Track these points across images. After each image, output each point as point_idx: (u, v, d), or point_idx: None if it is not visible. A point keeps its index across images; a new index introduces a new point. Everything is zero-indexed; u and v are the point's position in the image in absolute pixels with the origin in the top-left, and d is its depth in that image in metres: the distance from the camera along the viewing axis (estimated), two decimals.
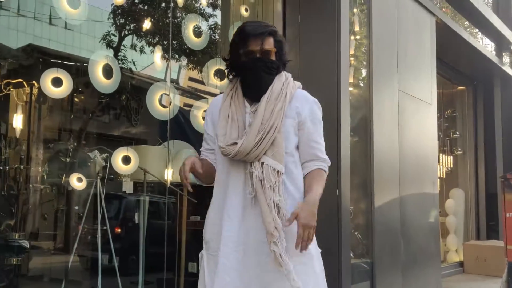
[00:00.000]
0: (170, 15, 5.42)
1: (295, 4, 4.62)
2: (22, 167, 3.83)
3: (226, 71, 2.17)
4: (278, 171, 1.99)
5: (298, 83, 2.18)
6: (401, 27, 5.51)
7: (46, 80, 2.99)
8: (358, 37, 5.14)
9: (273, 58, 2.09)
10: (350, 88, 4.71)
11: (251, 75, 2.06)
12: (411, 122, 5.56)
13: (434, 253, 5.93)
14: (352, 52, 4.88)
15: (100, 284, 4.37)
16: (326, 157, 2.15)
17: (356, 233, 5.02)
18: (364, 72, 5.23)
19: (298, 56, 4.60)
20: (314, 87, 4.52)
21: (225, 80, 4.06)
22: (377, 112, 4.95)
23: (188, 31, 3.87)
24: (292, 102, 2.08)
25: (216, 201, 2.09)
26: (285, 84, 2.09)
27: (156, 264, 4.42)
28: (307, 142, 2.11)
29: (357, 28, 5.03)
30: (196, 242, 4.53)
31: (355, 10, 5.06)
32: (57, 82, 3.01)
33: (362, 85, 5.23)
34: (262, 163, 1.98)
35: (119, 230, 7.73)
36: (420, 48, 5.98)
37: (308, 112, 2.12)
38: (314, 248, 2.07)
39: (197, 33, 3.95)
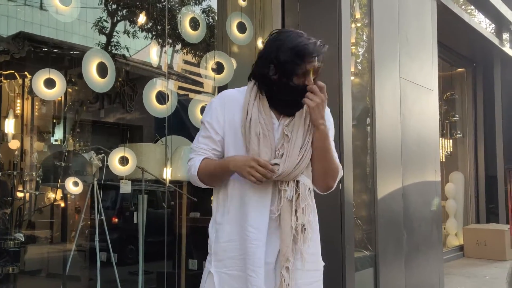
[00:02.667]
0: (166, 2, 5.27)
1: None
2: (15, 172, 3.72)
3: (252, 79, 1.94)
4: (310, 190, 1.90)
5: None
6: (402, 12, 5.37)
7: (39, 81, 2.84)
8: (359, 24, 4.99)
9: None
10: (352, 77, 4.59)
11: (297, 99, 1.86)
12: (412, 109, 5.46)
13: (436, 241, 5.88)
14: (353, 40, 4.75)
15: (99, 276, 4.32)
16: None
17: (355, 218, 4.97)
18: (365, 61, 5.10)
19: None
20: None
21: (223, 74, 3.93)
22: (379, 101, 4.83)
23: (185, 24, 3.72)
24: None
25: (233, 215, 1.91)
26: None
27: (155, 254, 4.36)
28: None
29: (358, 15, 4.89)
30: (196, 238, 4.48)
31: None
32: (50, 83, 2.88)
33: (363, 73, 5.10)
34: (297, 181, 1.87)
35: (117, 220, 7.68)
36: (421, 33, 5.84)
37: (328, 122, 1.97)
38: (321, 263, 2.04)
39: (194, 25, 3.81)
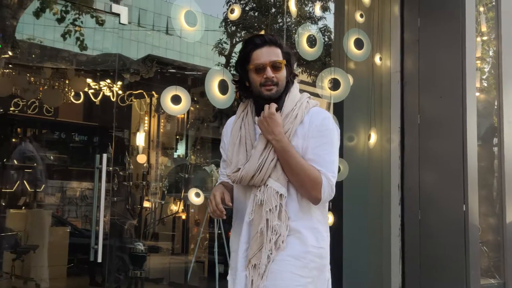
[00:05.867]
0: (283, 23, 5.39)
1: (414, 6, 4.36)
2: (144, 183, 4.01)
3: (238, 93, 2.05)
4: (281, 194, 1.87)
5: (315, 102, 2.00)
6: None
7: (166, 98, 3.05)
8: (485, 38, 4.73)
9: (283, 71, 1.93)
10: (477, 94, 4.35)
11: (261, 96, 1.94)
12: None
13: None
14: (478, 54, 4.51)
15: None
16: (330, 175, 1.88)
17: (480, 244, 4.66)
18: (491, 77, 4.81)
19: (417, 61, 4.34)
20: (436, 94, 4.26)
21: (340, 91, 3.92)
22: (507, 120, 4.53)
23: (302, 41, 3.78)
24: (304, 120, 1.91)
25: (234, 228, 2.02)
26: (297, 104, 1.94)
27: None
28: (308, 153, 1.89)
29: (484, 29, 4.64)
30: None
31: (481, 8, 4.67)
32: (176, 99, 3.08)
33: (489, 90, 4.82)
34: (267, 185, 1.88)
35: None
36: None
37: (317, 124, 1.91)
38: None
39: (311, 43, 3.85)
